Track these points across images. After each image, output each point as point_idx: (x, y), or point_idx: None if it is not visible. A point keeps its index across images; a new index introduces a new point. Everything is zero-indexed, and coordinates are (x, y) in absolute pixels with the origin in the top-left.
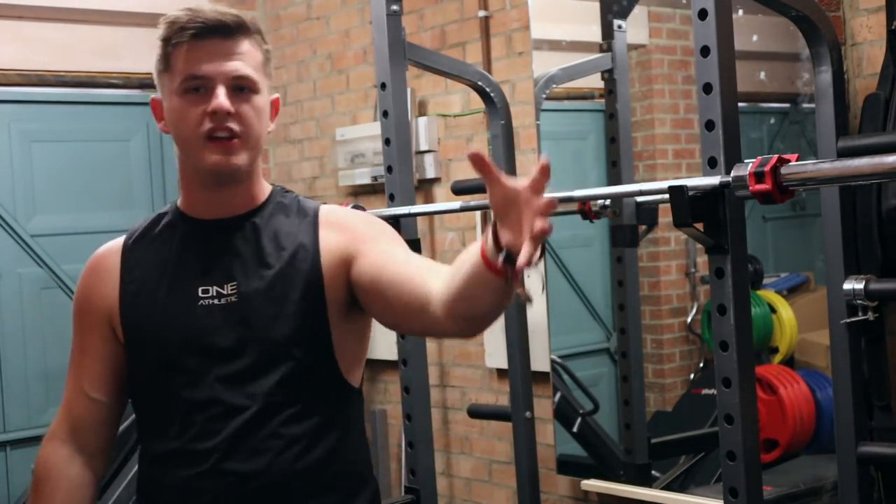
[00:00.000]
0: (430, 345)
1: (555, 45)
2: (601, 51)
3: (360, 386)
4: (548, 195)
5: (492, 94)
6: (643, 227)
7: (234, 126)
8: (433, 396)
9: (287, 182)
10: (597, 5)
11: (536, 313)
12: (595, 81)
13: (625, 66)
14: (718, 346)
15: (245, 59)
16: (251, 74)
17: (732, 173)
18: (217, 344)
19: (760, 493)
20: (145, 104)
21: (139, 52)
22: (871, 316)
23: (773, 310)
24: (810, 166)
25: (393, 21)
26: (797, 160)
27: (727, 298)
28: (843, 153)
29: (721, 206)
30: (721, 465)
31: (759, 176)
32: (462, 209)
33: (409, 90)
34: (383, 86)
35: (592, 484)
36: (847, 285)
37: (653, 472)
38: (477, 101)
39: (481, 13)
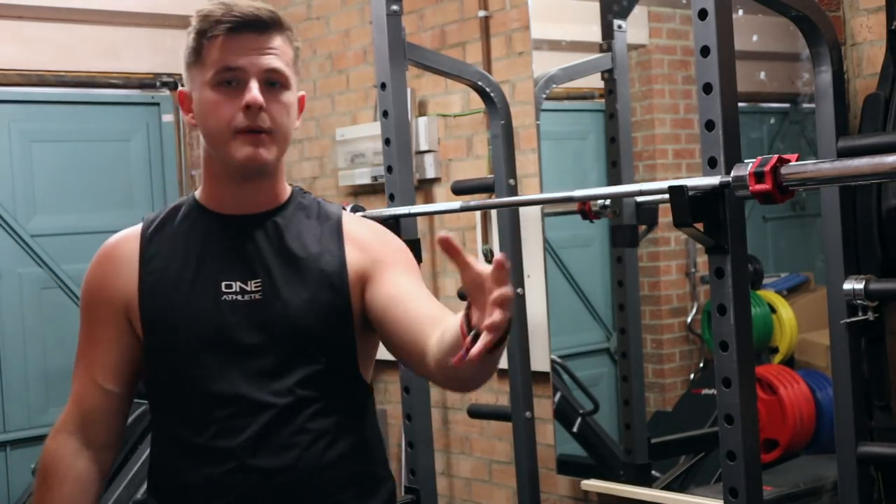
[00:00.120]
0: None
1: (555, 45)
2: (601, 51)
3: (371, 382)
4: (508, 289)
5: (492, 94)
6: (643, 227)
7: (265, 121)
8: (433, 396)
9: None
10: (597, 5)
11: (536, 313)
12: (595, 81)
13: (625, 66)
14: (718, 346)
15: (278, 55)
16: (284, 69)
17: (732, 173)
18: (240, 340)
19: (760, 493)
20: (146, 104)
21: (139, 52)
22: (870, 316)
23: (773, 310)
24: (810, 166)
25: (393, 21)
26: (797, 160)
27: (727, 298)
28: (843, 153)
29: (721, 206)
30: (721, 465)
31: (759, 176)
32: (462, 209)
33: (409, 90)
34: (383, 86)
35: (592, 484)
36: (847, 285)
37: (653, 472)
38: (477, 101)
39: (481, 13)
